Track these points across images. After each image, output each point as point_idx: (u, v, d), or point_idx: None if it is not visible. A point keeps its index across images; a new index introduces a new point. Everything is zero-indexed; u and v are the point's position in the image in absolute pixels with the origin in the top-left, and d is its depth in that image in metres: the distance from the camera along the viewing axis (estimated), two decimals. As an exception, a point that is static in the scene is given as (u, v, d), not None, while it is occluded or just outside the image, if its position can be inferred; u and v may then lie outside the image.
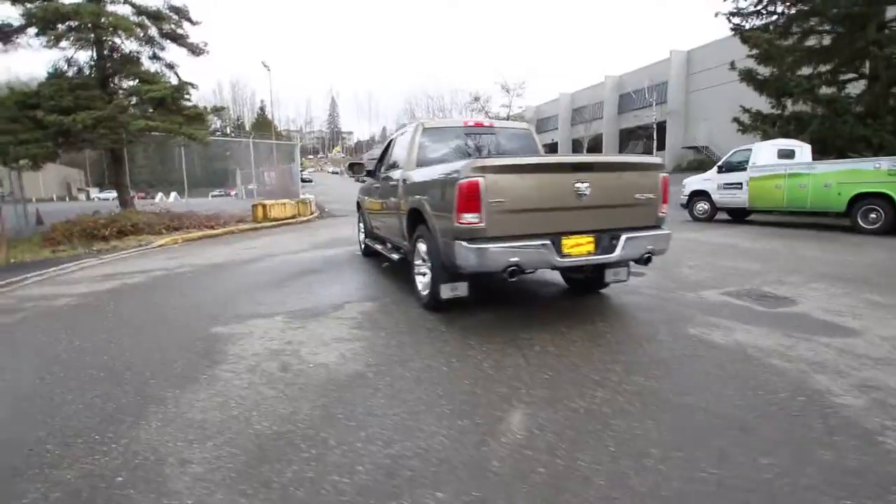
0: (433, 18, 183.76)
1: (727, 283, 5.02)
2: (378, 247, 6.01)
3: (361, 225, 7.51)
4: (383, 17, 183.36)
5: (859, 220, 8.99)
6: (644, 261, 3.79)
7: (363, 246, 7.33)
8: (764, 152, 10.92)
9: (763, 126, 15.53)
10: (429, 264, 4.21)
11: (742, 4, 16.12)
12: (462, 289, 3.91)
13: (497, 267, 3.36)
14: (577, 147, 39.78)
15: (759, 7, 16.05)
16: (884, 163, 8.66)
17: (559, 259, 3.49)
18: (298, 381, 2.83)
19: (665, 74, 32.23)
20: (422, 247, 4.33)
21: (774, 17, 15.81)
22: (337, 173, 76.85)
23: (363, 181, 7.05)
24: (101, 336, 3.86)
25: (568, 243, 3.53)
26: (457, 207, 3.37)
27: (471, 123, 5.12)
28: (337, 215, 16.87)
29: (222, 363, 3.16)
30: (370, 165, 6.76)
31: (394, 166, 5.41)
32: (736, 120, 16.42)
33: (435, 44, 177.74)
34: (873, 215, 8.80)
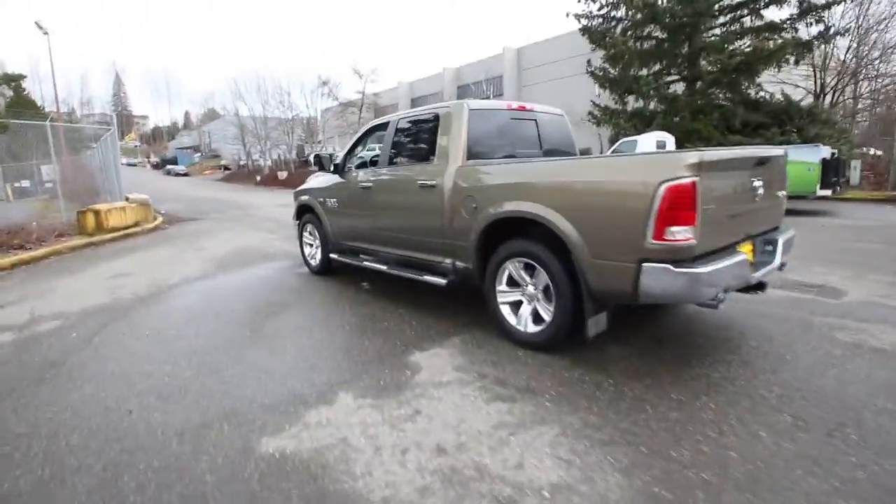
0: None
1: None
2: (376, 265, 4.59)
3: (310, 235, 5.79)
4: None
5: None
6: (781, 266, 3.40)
7: (318, 262, 5.66)
8: (646, 143, 12.09)
9: (615, 120, 17.37)
10: (529, 290, 3.21)
11: (591, 8, 17.71)
12: (603, 321, 3.03)
13: (708, 295, 2.56)
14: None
15: (602, 12, 17.84)
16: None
17: (751, 274, 2.85)
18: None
19: (500, 68, 34.11)
20: (514, 268, 3.27)
21: (614, 22, 17.74)
22: (133, 165, 64.40)
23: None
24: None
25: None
26: (658, 218, 2.45)
27: (514, 107, 4.13)
28: (187, 218, 13.52)
29: (392, 529, 1.72)
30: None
31: (414, 157, 4.10)
32: (590, 114, 18.07)
33: (254, 22, 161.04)
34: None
